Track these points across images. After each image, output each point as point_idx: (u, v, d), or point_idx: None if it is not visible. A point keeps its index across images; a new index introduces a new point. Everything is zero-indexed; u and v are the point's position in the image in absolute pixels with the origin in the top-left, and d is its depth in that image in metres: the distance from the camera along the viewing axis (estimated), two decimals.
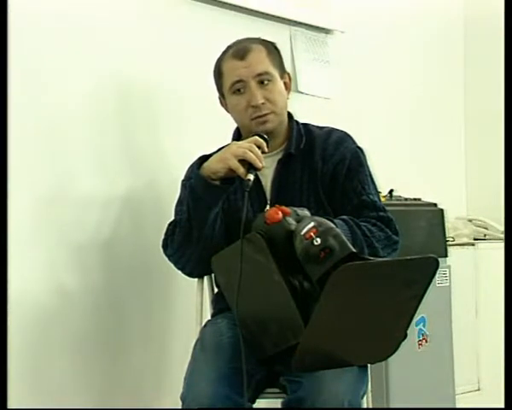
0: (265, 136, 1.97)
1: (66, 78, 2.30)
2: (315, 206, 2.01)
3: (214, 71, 2.12)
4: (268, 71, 2.05)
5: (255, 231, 1.77)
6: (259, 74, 2.03)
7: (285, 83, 2.11)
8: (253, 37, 2.13)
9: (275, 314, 1.77)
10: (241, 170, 1.87)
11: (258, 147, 1.91)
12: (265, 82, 2.04)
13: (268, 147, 1.95)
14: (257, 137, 1.94)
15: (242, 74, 2.03)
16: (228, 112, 2.13)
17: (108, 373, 2.40)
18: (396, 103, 3.55)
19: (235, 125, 2.17)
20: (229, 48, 2.10)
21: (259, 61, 2.04)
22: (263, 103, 2.02)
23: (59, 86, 2.29)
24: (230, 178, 1.93)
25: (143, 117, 2.54)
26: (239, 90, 2.04)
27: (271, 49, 2.10)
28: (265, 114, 2.03)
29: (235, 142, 2.05)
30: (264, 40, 2.11)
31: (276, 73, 2.07)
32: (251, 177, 1.86)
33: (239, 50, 2.05)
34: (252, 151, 1.88)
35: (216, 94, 2.14)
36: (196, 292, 2.20)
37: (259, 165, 1.88)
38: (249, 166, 1.87)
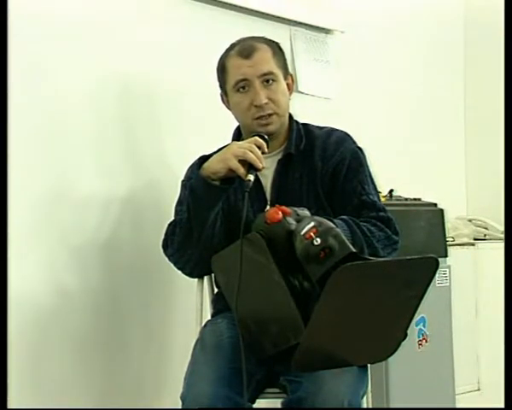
0: (266, 136, 1.97)
1: (67, 78, 2.30)
2: (315, 206, 2.01)
3: (218, 67, 2.11)
4: (273, 71, 2.04)
5: (255, 231, 1.77)
6: (264, 74, 2.03)
7: (288, 84, 2.11)
8: (257, 36, 2.12)
9: (275, 314, 1.76)
10: (241, 170, 1.87)
11: (259, 147, 1.90)
12: (270, 82, 2.03)
13: (268, 147, 1.95)
14: (257, 138, 1.93)
15: (247, 73, 2.02)
16: (229, 109, 2.12)
17: (108, 373, 2.40)
18: (396, 103, 3.55)
19: (235, 126, 2.17)
20: (233, 45, 2.08)
21: (265, 60, 2.04)
22: (266, 103, 2.01)
23: (59, 86, 2.29)
24: (230, 179, 1.92)
25: (144, 117, 2.54)
26: (243, 88, 2.04)
27: (276, 49, 2.10)
28: (268, 115, 2.02)
29: (235, 142, 2.04)
30: (269, 40, 2.10)
31: (280, 74, 2.06)
32: (251, 177, 1.85)
33: (244, 49, 2.05)
34: (252, 151, 1.88)
35: (217, 93, 2.14)
36: (196, 292, 2.20)
37: (260, 165, 1.87)
38: (249, 167, 1.87)
